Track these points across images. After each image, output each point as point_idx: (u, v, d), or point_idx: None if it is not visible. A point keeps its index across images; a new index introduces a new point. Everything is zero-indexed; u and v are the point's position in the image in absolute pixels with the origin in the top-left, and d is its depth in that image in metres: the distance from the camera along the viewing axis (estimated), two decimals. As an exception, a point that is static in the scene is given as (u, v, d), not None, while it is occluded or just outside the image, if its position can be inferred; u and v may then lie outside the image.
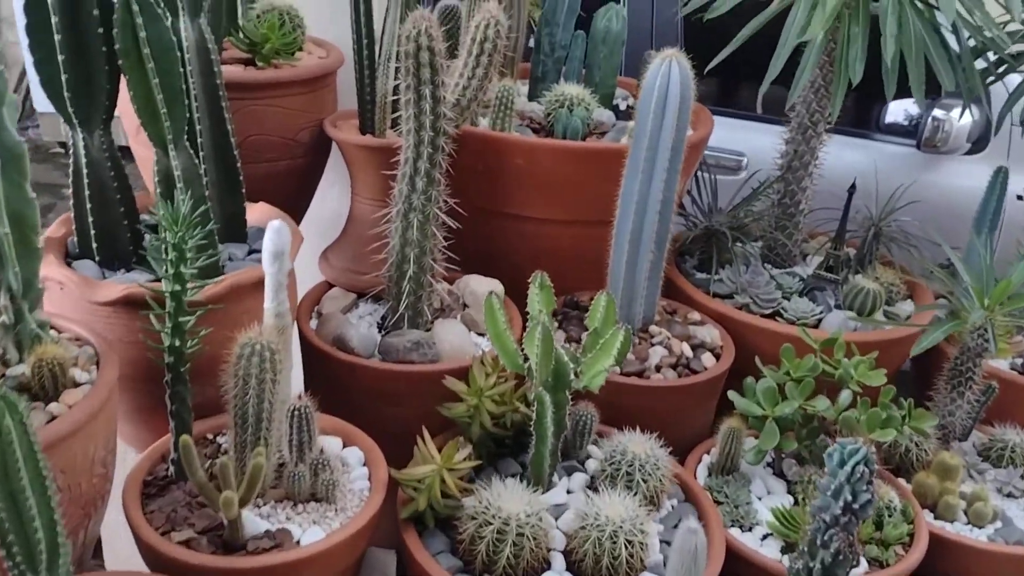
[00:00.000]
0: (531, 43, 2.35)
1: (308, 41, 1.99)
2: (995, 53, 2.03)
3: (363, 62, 1.78)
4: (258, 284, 1.47)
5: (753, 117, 3.24)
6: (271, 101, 1.76)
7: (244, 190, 1.65)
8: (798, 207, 2.23)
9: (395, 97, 1.65)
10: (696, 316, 2.00)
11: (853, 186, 2.12)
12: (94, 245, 1.53)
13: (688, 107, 1.69)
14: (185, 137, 1.47)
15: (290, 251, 1.56)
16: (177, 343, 1.34)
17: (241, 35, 1.77)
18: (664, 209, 1.78)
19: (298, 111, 1.80)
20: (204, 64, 1.55)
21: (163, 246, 1.29)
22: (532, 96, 2.33)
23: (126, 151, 1.76)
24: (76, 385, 1.26)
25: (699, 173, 2.34)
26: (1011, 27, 2.03)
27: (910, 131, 3.13)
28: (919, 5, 1.93)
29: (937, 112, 2.80)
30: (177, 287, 1.30)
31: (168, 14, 1.50)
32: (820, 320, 2.03)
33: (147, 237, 1.58)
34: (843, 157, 2.87)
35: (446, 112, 1.62)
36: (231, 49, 1.83)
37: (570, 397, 1.47)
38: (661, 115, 1.68)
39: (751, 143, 3.13)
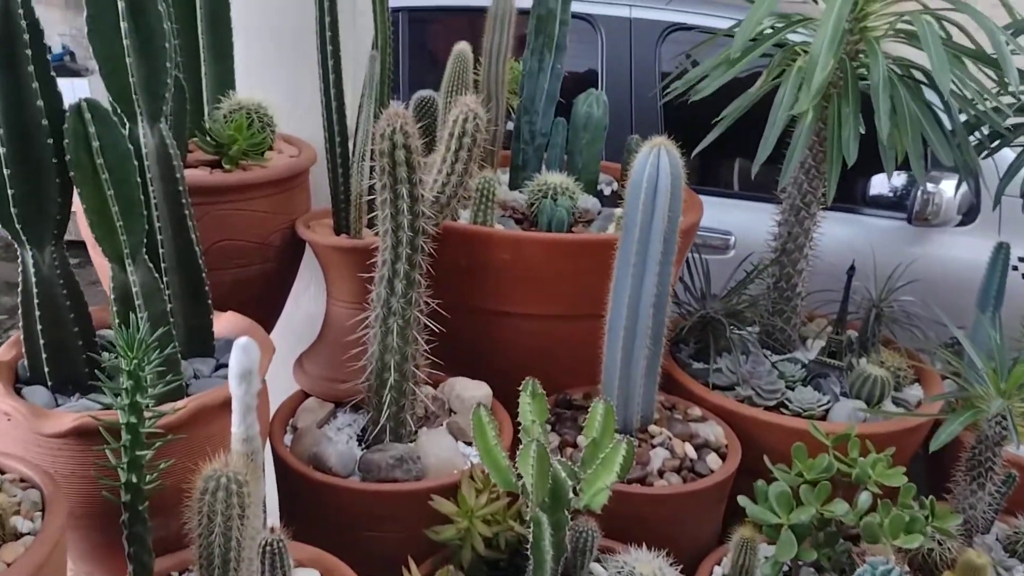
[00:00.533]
0: (509, 126, 2.29)
1: (279, 139, 1.90)
2: (990, 127, 1.97)
3: (336, 160, 1.69)
4: (225, 405, 1.34)
5: (738, 195, 3.19)
6: (240, 204, 1.66)
7: (210, 300, 1.54)
8: (795, 290, 2.14)
9: (371, 197, 1.56)
10: (697, 411, 1.89)
11: (852, 268, 2.03)
12: (46, 369, 1.41)
13: (679, 198, 1.61)
14: (144, 250, 1.37)
15: (261, 365, 1.44)
16: (134, 479, 1.21)
17: (207, 137, 1.68)
18: (658, 304, 1.68)
19: (268, 213, 1.71)
20: (165, 170, 1.45)
21: (120, 374, 1.17)
22: (513, 185, 2.26)
23: (80, 245, 1.65)
24: (17, 537, 1.13)
25: (691, 255, 2.26)
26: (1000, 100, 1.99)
27: (895, 203, 3.09)
28: (910, 82, 1.88)
29: (927, 185, 2.75)
30: (133, 419, 1.18)
31: (125, 120, 1.41)
32: (827, 410, 1.92)
33: (105, 355, 1.46)
34: (834, 234, 2.82)
35: (425, 211, 1.53)
36: (197, 151, 1.74)
37: (569, 516, 1.34)
38: (651, 208, 1.59)
39: (738, 221, 3.08)
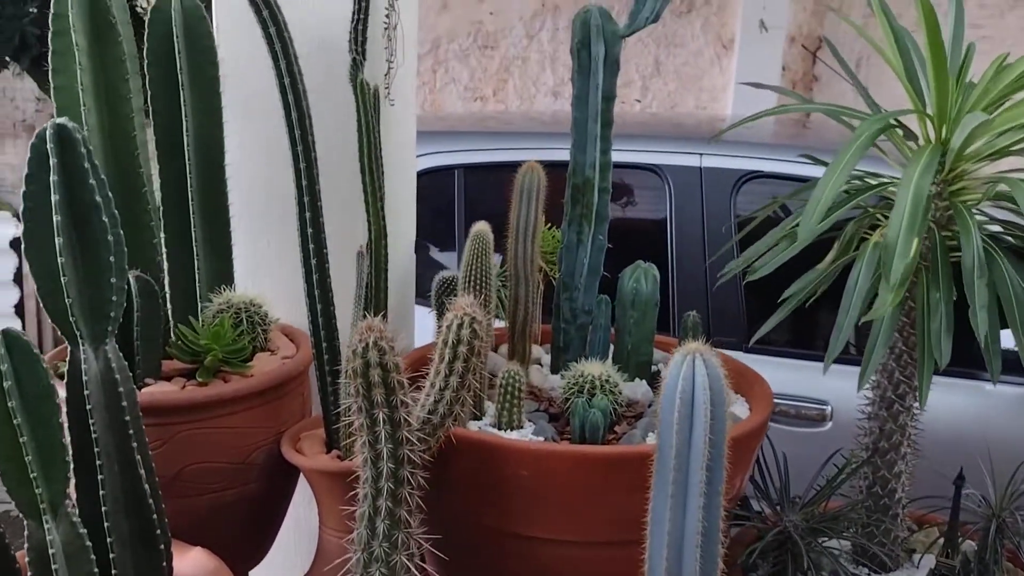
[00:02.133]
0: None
1: (278, 333, 1.72)
2: None
3: (324, 367, 1.48)
4: None
5: (836, 358, 2.83)
6: (215, 422, 1.46)
7: (166, 544, 1.32)
8: (893, 497, 1.77)
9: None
10: (769, 665, 1.52)
11: (961, 476, 1.66)
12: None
13: (722, 417, 1.31)
14: (68, 500, 1.17)
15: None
16: None
17: (181, 343, 1.50)
18: (707, 544, 1.35)
19: (250, 428, 1.50)
20: (110, 399, 1.26)
21: None
22: (555, 368, 2.00)
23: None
24: None
25: (766, 444, 1.92)
26: None
27: (1019, 365, 2.66)
28: (1020, 251, 1.55)
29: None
30: None
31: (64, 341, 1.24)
32: (939, 663, 1.53)
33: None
34: (943, 404, 2.43)
35: (409, 437, 1.29)
36: (175, 360, 1.56)
37: None
38: (688, 430, 1.30)
39: (836, 388, 2.71)
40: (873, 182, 1.70)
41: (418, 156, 3.21)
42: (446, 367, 1.35)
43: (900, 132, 1.62)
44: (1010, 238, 1.60)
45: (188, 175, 1.61)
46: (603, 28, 1.72)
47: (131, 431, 1.29)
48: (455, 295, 1.79)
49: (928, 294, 1.47)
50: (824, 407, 2.70)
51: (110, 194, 1.25)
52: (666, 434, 1.33)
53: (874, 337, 1.48)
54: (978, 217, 1.57)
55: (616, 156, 2.95)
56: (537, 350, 2.11)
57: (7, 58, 4.47)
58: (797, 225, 1.60)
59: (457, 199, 3.04)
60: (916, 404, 1.72)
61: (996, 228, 1.63)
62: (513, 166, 3.03)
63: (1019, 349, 1.42)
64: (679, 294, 2.81)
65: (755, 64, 5.08)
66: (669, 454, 1.34)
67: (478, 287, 1.70)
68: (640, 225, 3.04)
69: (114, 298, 1.26)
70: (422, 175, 3.21)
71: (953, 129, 1.51)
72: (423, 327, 2.07)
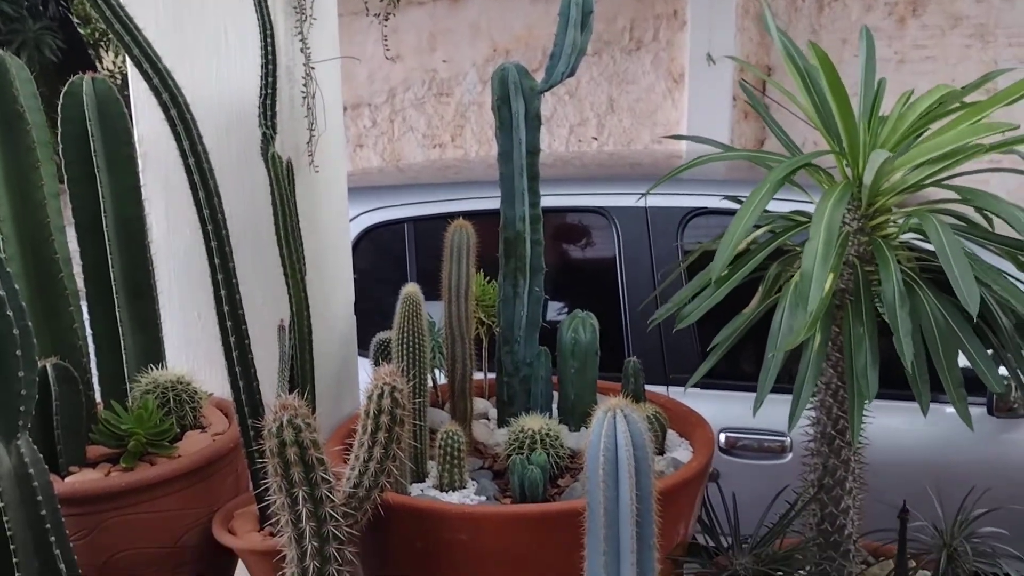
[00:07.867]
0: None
1: (211, 407, 1.70)
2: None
3: (251, 443, 1.46)
4: None
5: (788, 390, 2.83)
6: (142, 507, 1.43)
7: (90, 639, 1.29)
8: (843, 533, 1.76)
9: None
10: None
11: (904, 510, 1.65)
12: None
13: (648, 471, 1.30)
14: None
15: None
16: None
17: (104, 427, 1.48)
18: (642, 601, 1.34)
19: (180, 511, 1.47)
20: (25, 494, 1.24)
21: None
22: (502, 422, 1.98)
23: None
24: None
25: (714, 490, 1.91)
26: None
27: (972, 387, 2.67)
28: (942, 283, 1.55)
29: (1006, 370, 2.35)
30: None
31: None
32: None
33: None
34: (895, 428, 2.42)
35: (332, 513, 1.27)
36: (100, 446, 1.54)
37: None
38: (614, 487, 1.29)
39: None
40: (800, 219, 1.71)
41: (369, 211, 3.22)
42: (369, 438, 1.34)
43: (820, 171, 1.64)
44: (935, 268, 1.61)
45: (109, 255, 1.60)
46: (521, 84, 1.74)
47: (48, 525, 1.26)
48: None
49: (852, 328, 1.47)
50: (784, 439, 2.70)
51: (16, 286, 1.24)
52: (593, 493, 1.32)
53: (802, 374, 1.49)
54: (902, 251, 1.58)
55: (560, 200, 2.98)
56: (484, 404, 2.10)
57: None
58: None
59: (408, 248, 3.04)
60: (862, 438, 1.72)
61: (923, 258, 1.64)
62: (460, 215, 3.03)
63: (942, 378, 1.42)
64: (633, 333, 2.81)
65: (706, 96, 5.14)
66: (598, 512, 1.32)
67: (412, 349, 1.69)
68: (593, 261, 3.06)
69: (24, 392, 1.24)
70: (375, 229, 3.21)
71: (865, 166, 1.52)
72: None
